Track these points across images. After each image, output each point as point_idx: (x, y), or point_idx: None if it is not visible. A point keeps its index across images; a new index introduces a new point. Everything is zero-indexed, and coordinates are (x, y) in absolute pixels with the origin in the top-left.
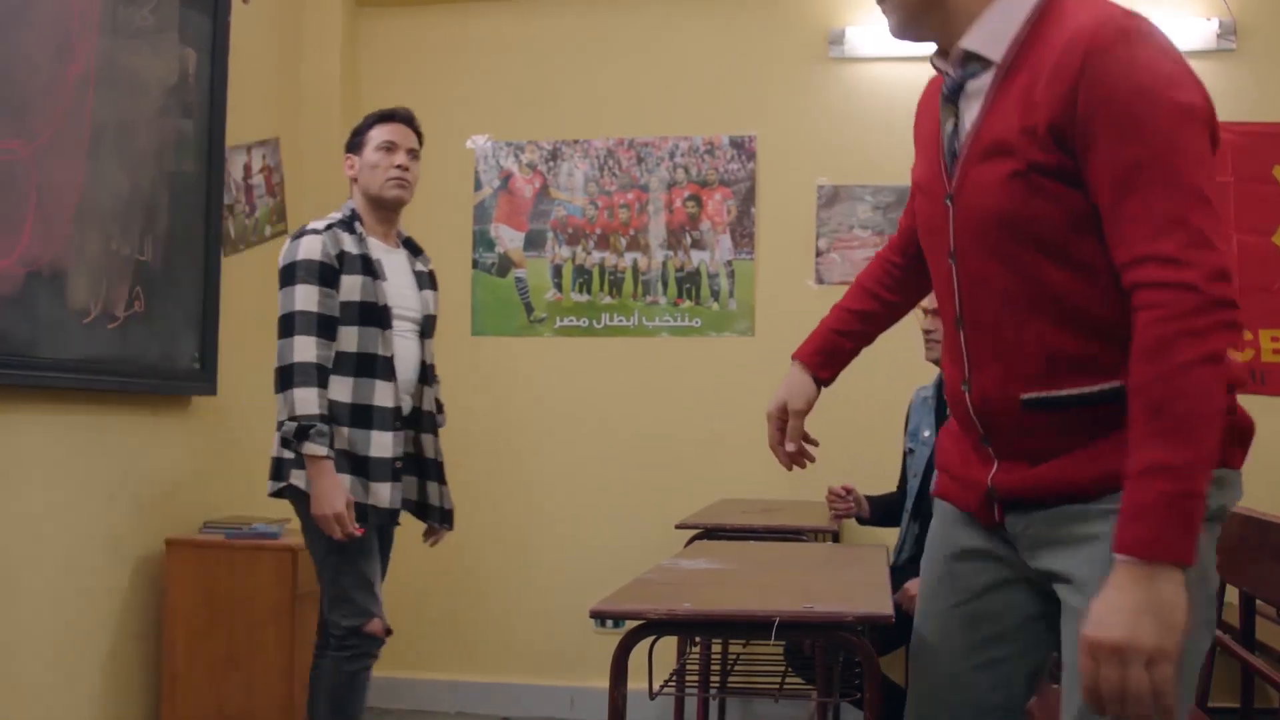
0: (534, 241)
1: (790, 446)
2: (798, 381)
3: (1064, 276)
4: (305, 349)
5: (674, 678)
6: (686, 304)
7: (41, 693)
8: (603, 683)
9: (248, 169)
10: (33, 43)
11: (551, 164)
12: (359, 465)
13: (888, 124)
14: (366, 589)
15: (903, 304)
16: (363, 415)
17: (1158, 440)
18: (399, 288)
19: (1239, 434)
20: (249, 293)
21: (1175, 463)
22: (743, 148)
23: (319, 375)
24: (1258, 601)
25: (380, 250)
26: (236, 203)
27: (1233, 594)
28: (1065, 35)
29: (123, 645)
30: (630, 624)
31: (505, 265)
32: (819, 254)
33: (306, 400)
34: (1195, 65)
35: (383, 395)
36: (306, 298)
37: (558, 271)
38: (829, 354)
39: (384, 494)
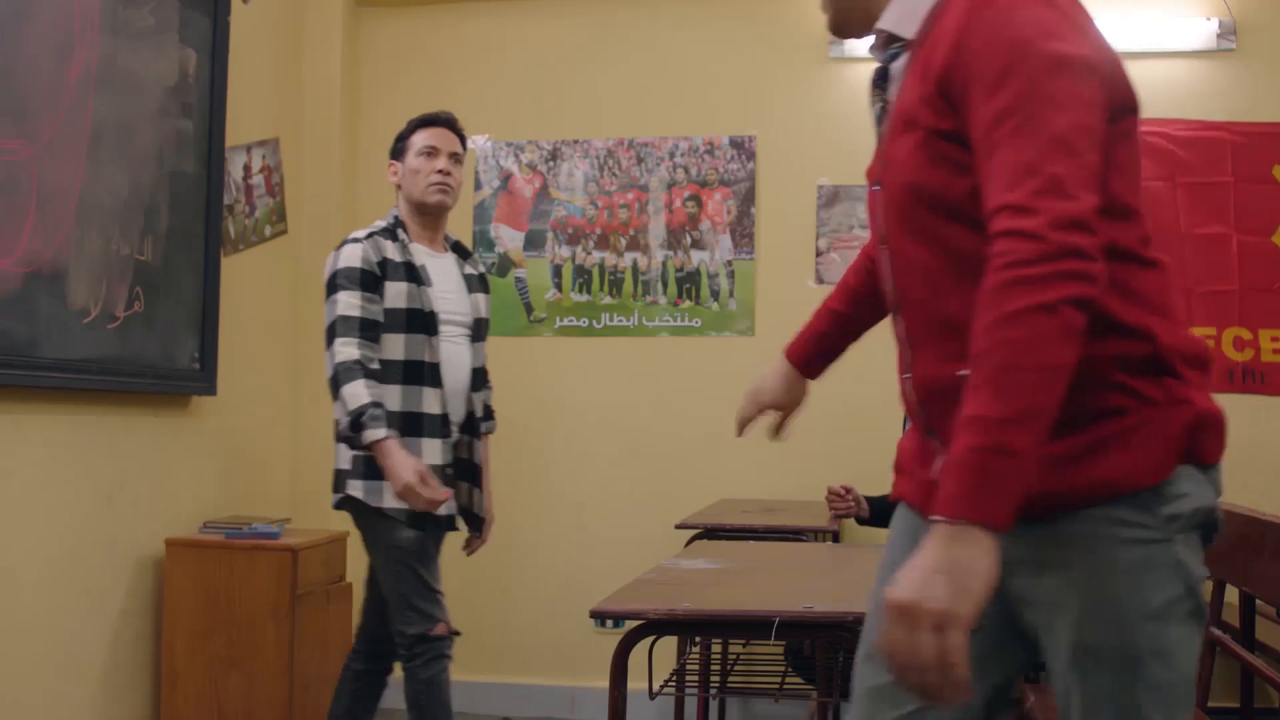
0: (534, 241)
1: (740, 432)
2: (777, 376)
3: (980, 243)
4: (346, 350)
5: (674, 678)
6: (686, 304)
7: (41, 693)
8: (603, 683)
9: (248, 169)
10: (33, 43)
11: (551, 164)
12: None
13: None
14: (428, 595)
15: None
16: (412, 423)
17: (976, 393)
18: (446, 292)
19: (1196, 425)
20: (249, 293)
21: (988, 416)
22: (743, 148)
23: (363, 370)
24: (1258, 601)
25: (425, 256)
26: (236, 203)
27: (1233, 594)
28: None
29: (123, 645)
30: (630, 624)
31: (505, 265)
32: (819, 254)
33: (355, 394)
34: (1195, 65)
35: (431, 402)
36: (347, 304)
37: (558, 271)
38: (815, 354)
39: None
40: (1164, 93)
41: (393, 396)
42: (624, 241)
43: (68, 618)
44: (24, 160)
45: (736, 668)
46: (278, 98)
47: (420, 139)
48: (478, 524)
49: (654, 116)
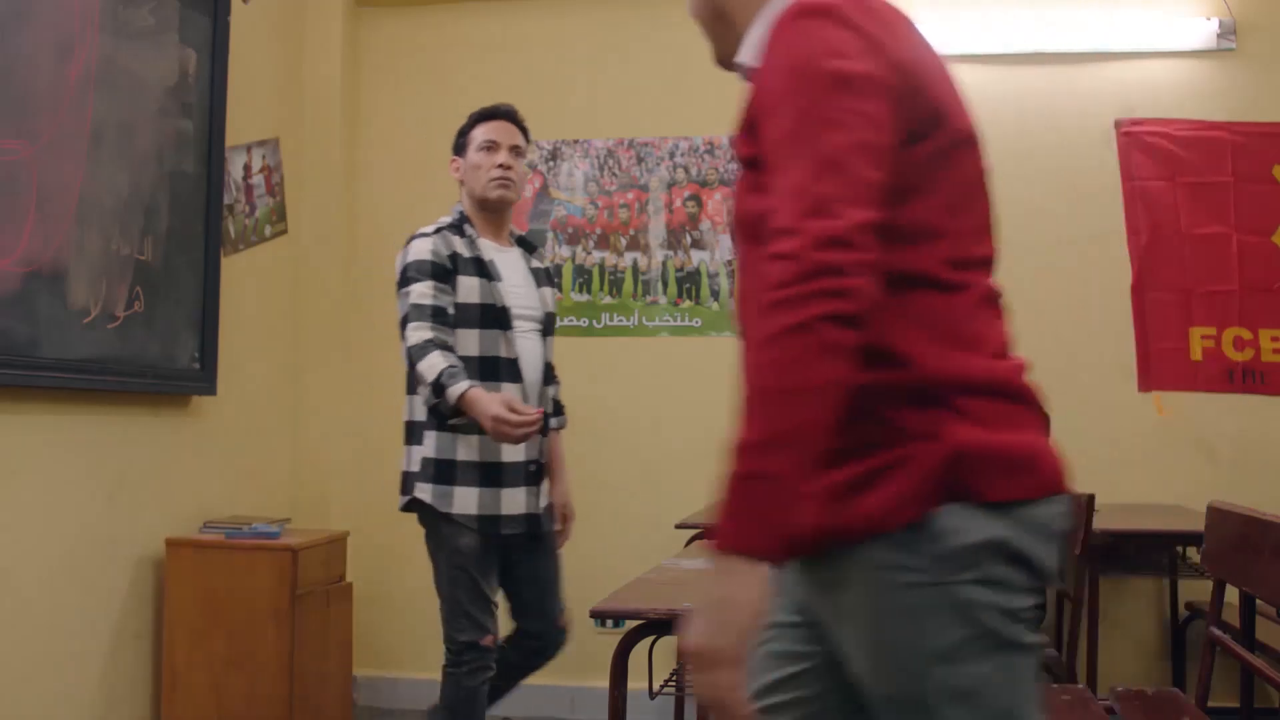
0: (534, 241)
1: None
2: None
3: None
4: (418, 334)
5: (674, 677)
6: (686, 304)
7: (41, 692)
8: (603, 683)
9: (248, 169)
10: (33, 43)
11: (551, 164)
12: (490, 473)
13: None
14: (483, 604)
15: None
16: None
17: (741, 419)
18: (516, 287)
19: (958, 460)
20: (249, 293)
21: (747, 441)
22: None
23: (438, 346)
24: (1258, 601)
25: (493, 250)
26: (236, 203)
27: (1233, 594)
28: None
29: (122, 645)
30: (630, 624)
31: None
32: None
33: (431, 365)
34: (1195, 65)
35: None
36: (420, 293)
37: (558, 271)
38: None
39: (518, 499)
40: (1164, 93)
41: None
42: (624, 241)
43: (68, 618)
44: (24, 160)
45: None
46: (278, 98)
47: (480, 133)
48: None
49: (654, 116)
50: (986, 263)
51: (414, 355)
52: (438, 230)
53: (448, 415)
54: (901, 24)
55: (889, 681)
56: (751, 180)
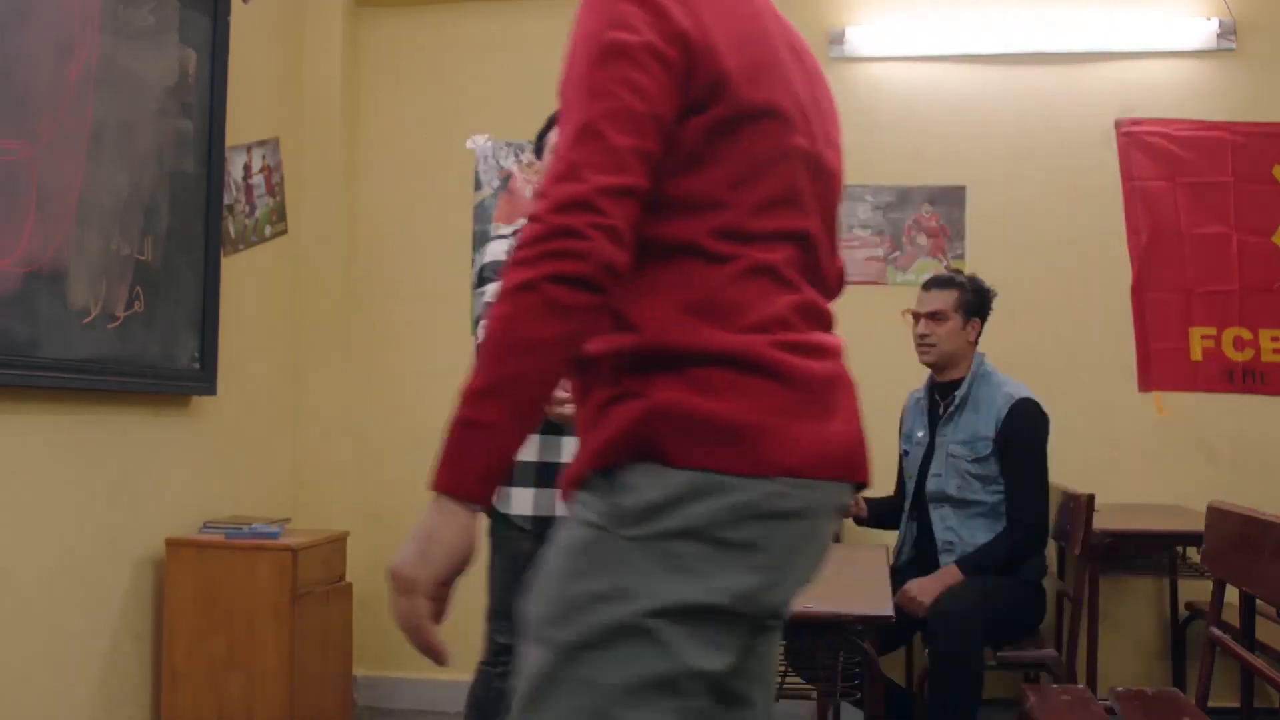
0: None
1: None
2: None
3: None
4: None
5: None
6: None
7: (41, 692)
8: None
9: (248, 169)
10: (33, 43)
11: None
12: (546, 474)
13: (888, 124)
14: None
15: None
16: (555, 421)
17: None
18: None
19: (651, 418)
20: (249, 293)
21: (466, 389)
22: None
23: None
24: (1258, 601)
25: None
26: (236, 203)
27: (1233, 594)
28: None
29: (122, 645)
30: None
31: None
32: None
33: None
34: (1195, 65)
35: None
36: (494, 294)
37: None
38: None
39: None
40: (1164, 93)
41: None
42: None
43: (68, 618)
44: (24, 160)
45: None
46: (278, 98)
47: (555, 137)
48: None
49: None
50: (774, 236)
51: None
52: (515, 231)
53: None
54: (720, 1)
55: (536, 602)
56: None
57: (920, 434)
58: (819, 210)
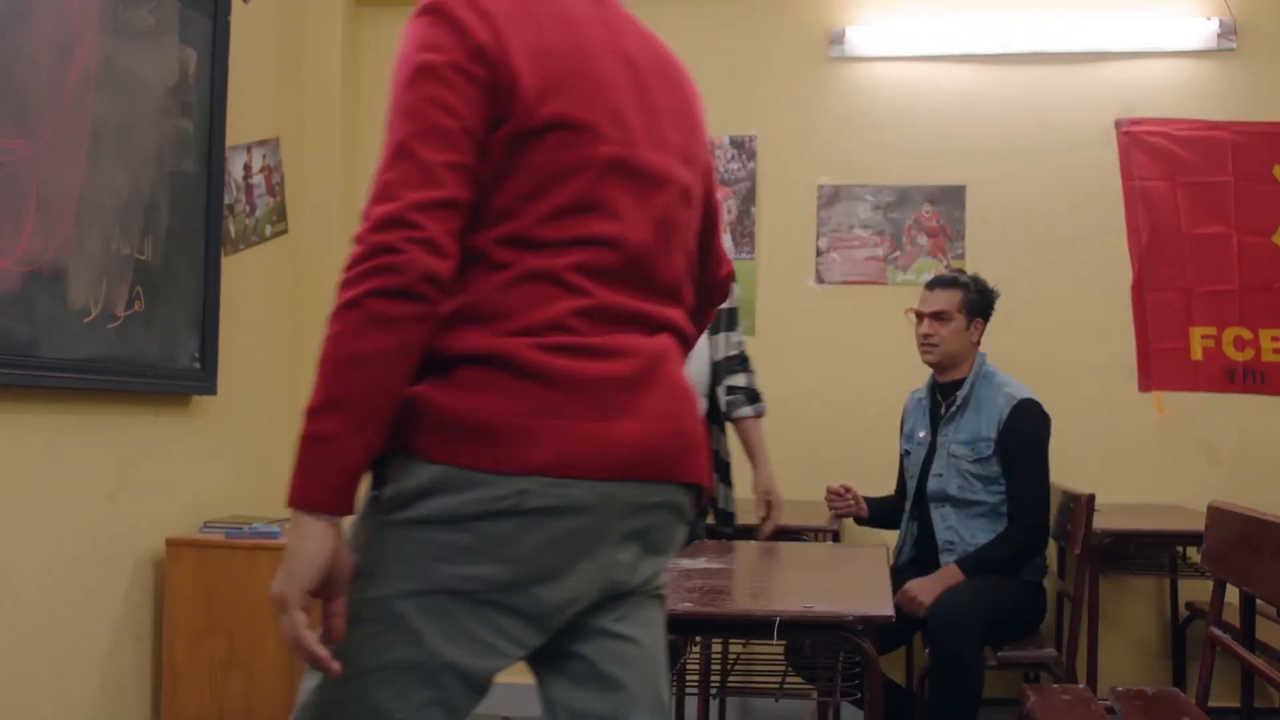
0: None
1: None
2: None
3: None
4: None
5: (674, 677)
6: None
7: (41, 692)
8: None
9: (248, 169)
10: (34, 43)
11: None
12: None
13: (888, 124)
14: None
15: None
16: None
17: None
18: None
19: (413, 416)
20: (249, 293)
21: (308, 406)
22: (743, 148)
23: None
24: (1258, 601)
25: None
26: (236, 203)
27: (1233, 594)
28: None
29: (122, 645)
30: None
31: None
32: (819, 254)
33: None
34: (1195, 65)
35: None
36: None
37: None
38: None
39: None
40: (1164, 93)
41: None
42: None
43: (68, 618)
44: (24, 160)
45: (736, 667)
46: (278, 98)
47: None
48: (728, 519)
49: None
50: (565, 243)
51: None
52: None
53: None
54: (533, 16)
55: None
56: None
57: (922, 434)
58: (642, 216)
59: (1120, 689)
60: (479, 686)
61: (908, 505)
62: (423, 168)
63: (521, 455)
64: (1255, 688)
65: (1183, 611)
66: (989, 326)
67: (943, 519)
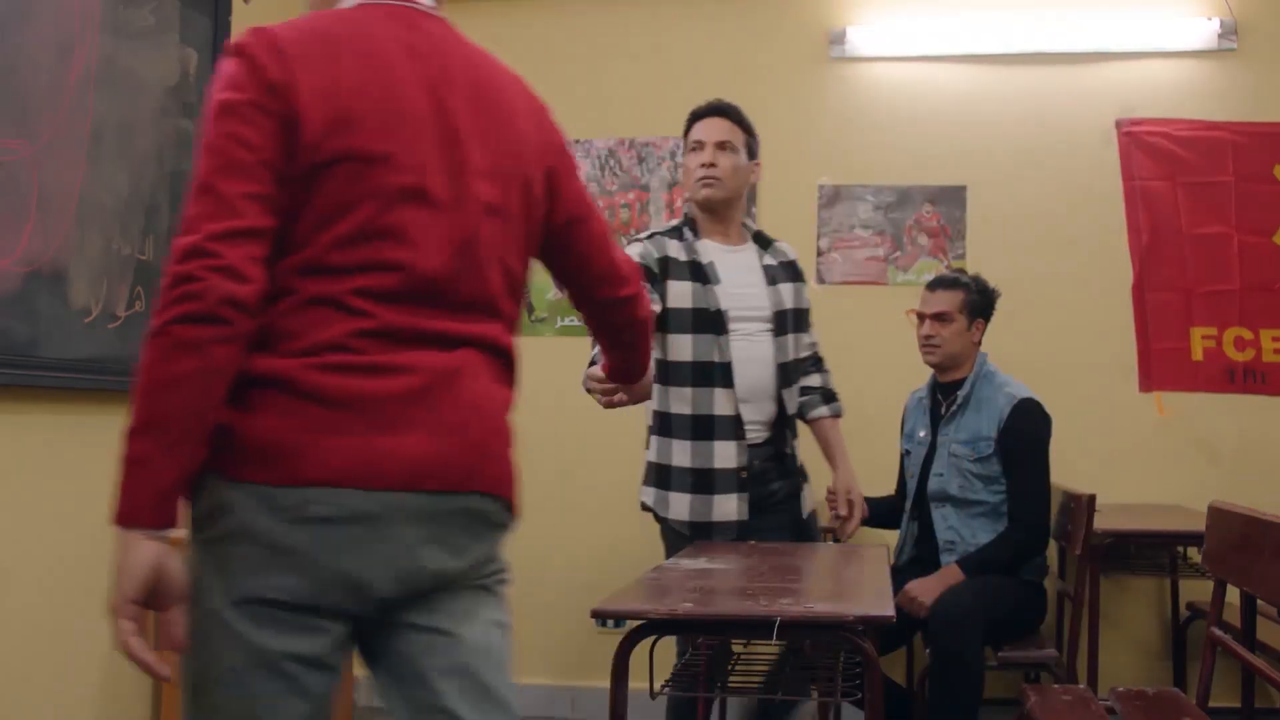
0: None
1: None
2: None
3: None
4: None
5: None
6: None
7: (41, 692)
8: (604, 682)
9: None
10: (34, 43)
11: None
12: (702, 479)
13: (888, 124)
14: None
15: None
16: (704, 426)
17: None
18: (738, 287)
19: (223, 440)
20: None
21: (125, 429)
22: None
23: None
24: (1259, 601)
25: (717, 251)
26: None
27: (1233, 594)
28: None
29: None
30: (631, 624)
31: None
32: (820, 254)
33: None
34: (1196, 65)
35: (723, 404)
36: None
37: None
38: None
39: (729, 507)
40: (1164, 93)
41: (683, 399)
42: (625, 241)
43: (68, 618)
44: (24, 160)
45: (737, 667)
46: None
47: (691, 134)
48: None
49: (655, 116)
50: (351, 269)
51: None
52: (652, 235)
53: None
54: (331, 55)
55: None
56: None
57: (922, 433)
58: (437, 239)
59: (1121, 689)
60: (322, 664)
61: (908, 505)
62: (221, 200)
63: (302, 470)
64: (1256, 688)
65: (1183, 612)
66: (990, 326)
67: (943, 519)
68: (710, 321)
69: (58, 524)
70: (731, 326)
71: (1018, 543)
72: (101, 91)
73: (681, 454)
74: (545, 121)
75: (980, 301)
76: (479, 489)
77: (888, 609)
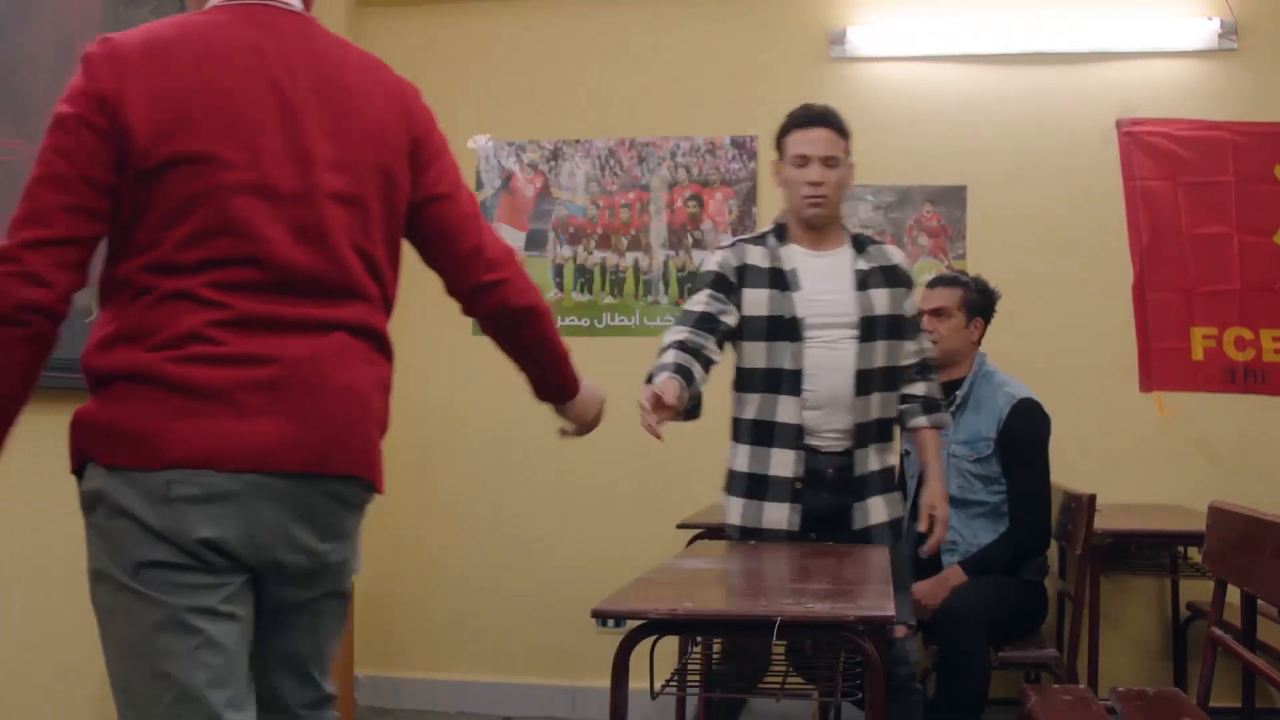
0: (535, 241)
1: None
2: None
3: None
4: (670, 335)
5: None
6: None
7: (41, 692)
8: (604, 682)
9: None
10: (34, 43)
11: (553, 164)
12: (756, 485)
13: (888, 124)
14: None
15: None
16: (765, 432)
17: None
18: (820, 294)
19: (84, 429)
20: None
21: None
22: (744, 148)
23: (676, 347)
24: (1259, 601)
25: (802, 258)
26: None
27: (1234, 594)
28: None
29: None
30: (632, 624)
31: None
32: None
33: (656, 364)
34: (1196, 65)
35: (786, 411)
36: (692, 300)
37: (559, 271)
38: None
39: (779, 515)
40: (1165, 93)
41: (751, 405)
42: (625, 241)
43: (68, 617)
44: (24, 160)
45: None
46: None
47: (792, 144)
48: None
49: (655, 116)
50: (201, 265)
51: (657, 361)
52: (735, 242)
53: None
54: (163, 61)
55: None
56: None
57: None
58: (285, 229)
59: (1121, 689)
60: (222, 614)
61: (908, 505)
62: (36, 210)
63: (163, 453)
64: (1256, 688)
65: (1183, 611)
66: (990, 327)
67: None
68: (786, 328)
69: (58, 524)
70: (810, 334)
71: (1018, 543)
72: None
73: (741, 459)
74: (408, 104)
75: (980, 301)
76: (338, 472)
77: (887, 609)
